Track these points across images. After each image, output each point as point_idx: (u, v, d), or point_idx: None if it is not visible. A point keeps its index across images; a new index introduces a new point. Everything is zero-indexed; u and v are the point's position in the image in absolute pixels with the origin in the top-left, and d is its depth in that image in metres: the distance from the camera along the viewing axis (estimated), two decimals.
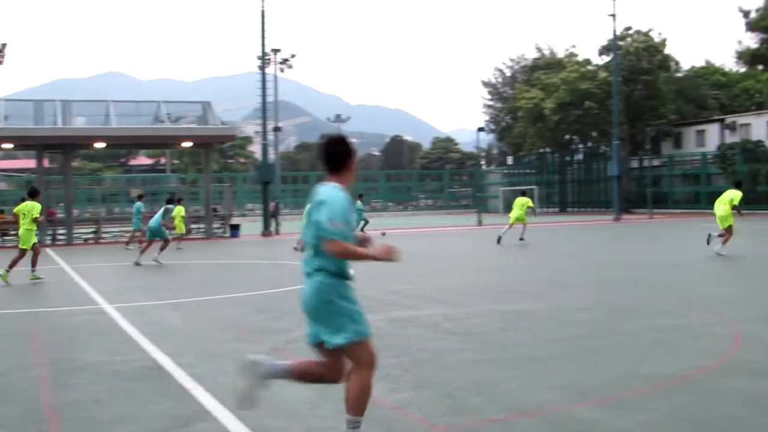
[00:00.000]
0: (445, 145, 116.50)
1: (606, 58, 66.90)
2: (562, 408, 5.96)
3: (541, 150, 77.93)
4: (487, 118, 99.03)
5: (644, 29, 68.16)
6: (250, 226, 43.34)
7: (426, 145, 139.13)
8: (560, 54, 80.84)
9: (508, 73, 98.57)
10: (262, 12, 41.47)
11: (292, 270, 19.48)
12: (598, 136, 69.50)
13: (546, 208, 73.60)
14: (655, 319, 10.29)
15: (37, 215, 17.30)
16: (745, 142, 58.87)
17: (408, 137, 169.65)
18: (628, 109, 64.68)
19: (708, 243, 20.51)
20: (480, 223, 43.73)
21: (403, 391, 6.74)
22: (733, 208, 20.24)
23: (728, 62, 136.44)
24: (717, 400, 6.27)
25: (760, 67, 57.57)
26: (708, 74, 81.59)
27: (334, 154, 5.02)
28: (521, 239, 26.72)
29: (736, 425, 5.65)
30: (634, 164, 70.35)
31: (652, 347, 8.41)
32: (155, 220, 22.72)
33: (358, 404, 4.88)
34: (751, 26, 51.57)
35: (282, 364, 5.17)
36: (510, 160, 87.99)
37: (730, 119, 65.99)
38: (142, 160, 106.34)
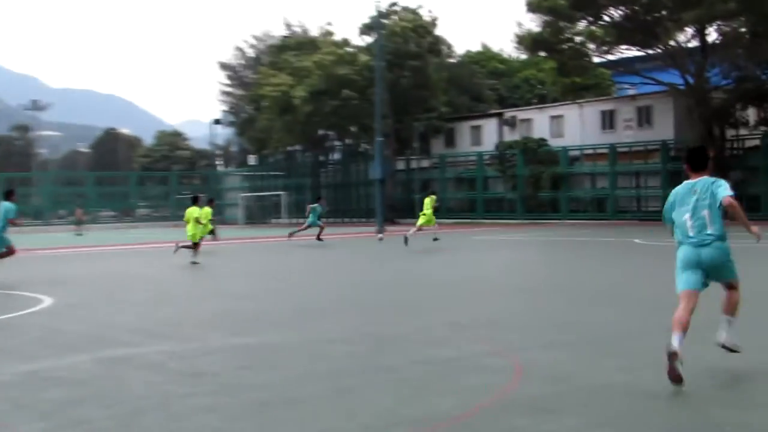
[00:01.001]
0: (172, 141, 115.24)
1: (368, 39, 68.74)
2: None
3: (291, 148, 78.76)
4: (225, 108, 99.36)
5: (412, 6, 70.66)
6: None
7: (148, 140, 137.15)
8: (314, 32, 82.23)
9: (251, 53, 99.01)
10: None
11: None
12: (358, 132, 71.13)
13: (297, 218, 74.21)
14: (422, 349, 10.63)
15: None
16: (526, 140, 62.15)
17: (125, 130, 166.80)
18: (394, 100, 66.54)
19: None
20: (215, 237, 43.47)
21: None
22: None
23: (507, 47, 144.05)
24: None
25: (543, 53, 60.70)
26: (484, 61, 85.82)
27: (704, 158, 8.91)
28: (435, 239, 30.69)
29: None
30: (401, 165, 72.70)
31: (419, 383, 8.69)
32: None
33: (736, 310, 8.84)
34: (533, 7, 54.32)
35: (680, 336, 8.15)
36: (252, 159, 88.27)
37: (509, 114, 69.54)
38: None
